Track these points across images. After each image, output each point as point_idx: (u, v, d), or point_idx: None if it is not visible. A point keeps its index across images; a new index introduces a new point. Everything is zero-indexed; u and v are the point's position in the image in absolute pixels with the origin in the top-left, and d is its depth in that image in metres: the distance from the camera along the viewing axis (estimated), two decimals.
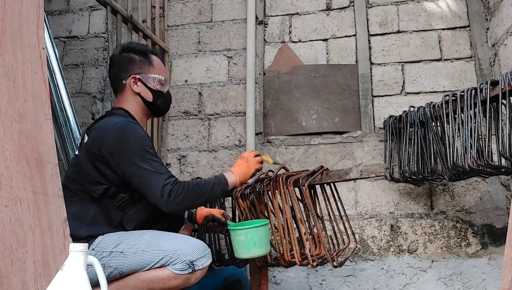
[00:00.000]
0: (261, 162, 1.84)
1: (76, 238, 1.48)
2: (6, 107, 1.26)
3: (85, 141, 1.64)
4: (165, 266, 1.49)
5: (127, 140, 1.56)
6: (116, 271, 1.50)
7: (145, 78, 1.74)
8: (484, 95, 1.96)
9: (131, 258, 1.50)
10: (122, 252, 1.50)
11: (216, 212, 1.93)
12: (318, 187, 2.05)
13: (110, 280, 1.51)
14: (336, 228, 2.02)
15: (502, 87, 1.87)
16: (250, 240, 1.68)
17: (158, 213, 1.68)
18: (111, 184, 1.58)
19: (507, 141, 1.82)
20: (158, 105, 1.79)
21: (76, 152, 1.67)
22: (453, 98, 2.11)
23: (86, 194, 1.59)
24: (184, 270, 1.48)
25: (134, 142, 1.56)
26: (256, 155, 1.84)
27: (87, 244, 1.09)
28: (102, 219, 1.58)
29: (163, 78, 1.79)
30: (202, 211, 1.95)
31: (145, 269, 1.50)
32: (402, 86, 2.84)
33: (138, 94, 1.74)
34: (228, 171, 1.77)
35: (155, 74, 1.77)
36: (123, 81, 1.73)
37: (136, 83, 1.74)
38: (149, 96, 1.75)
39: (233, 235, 1.73)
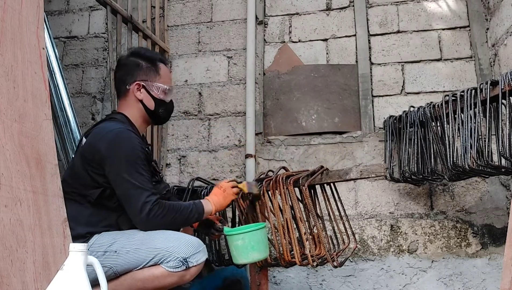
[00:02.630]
0: (237, 193, 1.87)
1: (76, 237, 1.48)
2: (6, 107, 1.26)
3: (82, 144, 1.65)
4: (158, 264, 1.49)
5: (118, 149, 1.56)
6: (111, 271, 1.51)
7: (149, 85, 1.74)
8: (484, 95, 1.96)
9: (124, 257, 1.50)
10: (116, 252, 1.50)
11: (213, 217, 1.92)
12: (318, 187, 2.05)
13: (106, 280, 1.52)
14: (336, 228, 2.02)
15: (502, 87, 1.87)
16: (248, 245, 1.66)
17: None
18: (106, 187, 1.58)
19: (507, 141, 1.82)
20: (159, 114, 1.79)
21: (73, 156, 1.68)
22: (453, 98, 2.11)
23: (82, 197, 1.60)
24: (178, 267, 1.48)
25: (125, 152, 1.56)
26: (233, 186, 1.86)
27: (87, 244, 1.09)
28: (98, 220, 1.59)
29: (167, 88, 1.78)
30: None
31: (139, 267, 1.50)
32: (402, 86, 2.84)
33: (141, 101, 1.74)
34: (205, 199, 1.78)
35: (160, 83, 1.76)
36: (127, 86, 1.73)
37: (140, 90, 1.74)
38: (151, 104, 1.75)
39: (230, 241, 1.70)
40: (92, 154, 1.58)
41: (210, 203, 1.75)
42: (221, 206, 1.80)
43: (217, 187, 1.84)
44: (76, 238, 1.48)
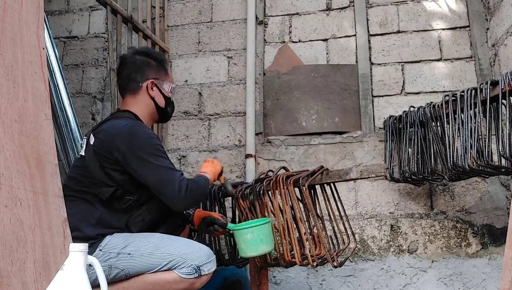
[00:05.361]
0: (221, 167, 1.94)
1: (85, 238, 1.48)
2: (6, 107, 1.26)
3: (91, 143, 1.63)
4: (171, 270, 1.51)
5: (139, 141, 1.58)
6: (123, 273, 1.52)
7: (161, 84, 1.79)
8: (484, 95, 1.96)
9: (138, 260, 1.51)
10: (129, 254, 1.52)
11: (215, 214, 1.92)
12: (318, 187, 2.05)
13: (116, 280, 1.53)
14: (336, 228, 2.02)
15: (502, 87, 1.87)
16: (257, 238, 1.70)
17: (161, 216, 1.69)
18: (118, 186, 1.59)
19: (507, 141, 1.82)
20: (167, 111, 1.84)
21: (82, 153, 1.67)
22: (453, 98, 2.11)
23: (92, 195, 1.60)
24: (191, 274, 1.50)
25: (145, 141, 1.59)
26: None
27: (87, 244, 1.09)
28: (108, 220, 1.59)
29: (174, 86, 1.87)
30: (200, 213, 1.94)
31: (151, 271, 1.52)
32: (402, 86, 2.84)
33: (153, 98, 1.77)
34: (198, 173, 1.82)
35: (169, 82, 1.83)
36: (139, 83, 1.75)
37: (152, 88, 1.77)
38: (162, 102, 1.79)
39: (239, 235, 1.73)
40: (110, 152, 1.58)
41: (208, 174, 1.82)
42: (216, 173, 1.86)
43: (204, 162, 1.93)
44: (86, 240, 1.47)
